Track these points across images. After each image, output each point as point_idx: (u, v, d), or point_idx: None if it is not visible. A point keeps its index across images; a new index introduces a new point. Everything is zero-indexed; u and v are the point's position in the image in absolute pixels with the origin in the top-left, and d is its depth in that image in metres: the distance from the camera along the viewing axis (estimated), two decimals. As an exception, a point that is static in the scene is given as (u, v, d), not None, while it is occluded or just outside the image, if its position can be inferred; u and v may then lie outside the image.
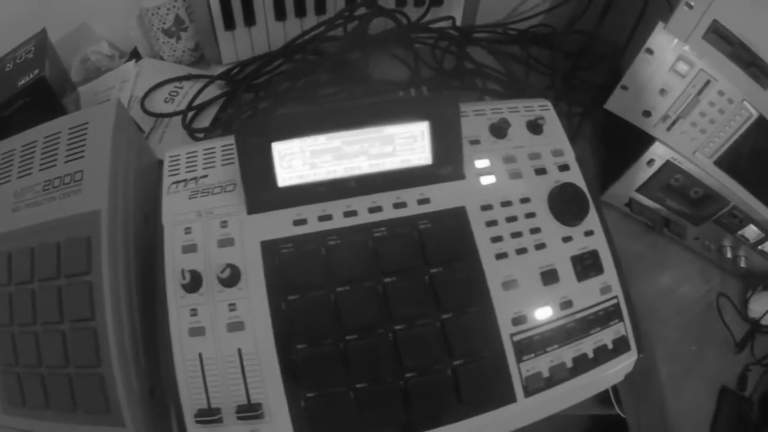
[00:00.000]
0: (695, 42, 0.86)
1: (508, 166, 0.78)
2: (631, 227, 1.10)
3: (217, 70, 1.01)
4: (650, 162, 0.99)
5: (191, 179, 0.71)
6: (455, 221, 0.72)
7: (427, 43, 1.12)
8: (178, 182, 0.71)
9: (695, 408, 0.99)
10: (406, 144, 0.71)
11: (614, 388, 0.95)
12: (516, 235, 0.73)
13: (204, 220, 0.68)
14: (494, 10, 1.21)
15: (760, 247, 1.06)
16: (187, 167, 0.72)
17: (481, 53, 1.15)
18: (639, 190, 1.04)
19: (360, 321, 0.66)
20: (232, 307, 0.64)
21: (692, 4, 0.85)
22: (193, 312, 0.64)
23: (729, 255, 1.08)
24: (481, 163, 0.77)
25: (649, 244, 1.10)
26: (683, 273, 1.10)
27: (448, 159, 0.73)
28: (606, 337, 0.74)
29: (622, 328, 0.76)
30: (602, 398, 1.07)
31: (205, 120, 0.96)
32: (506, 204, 0.75)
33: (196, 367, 0.62)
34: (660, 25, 0.86)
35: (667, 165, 0.98)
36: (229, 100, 0.96)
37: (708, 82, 0.89)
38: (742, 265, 1.08)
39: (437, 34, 1.11)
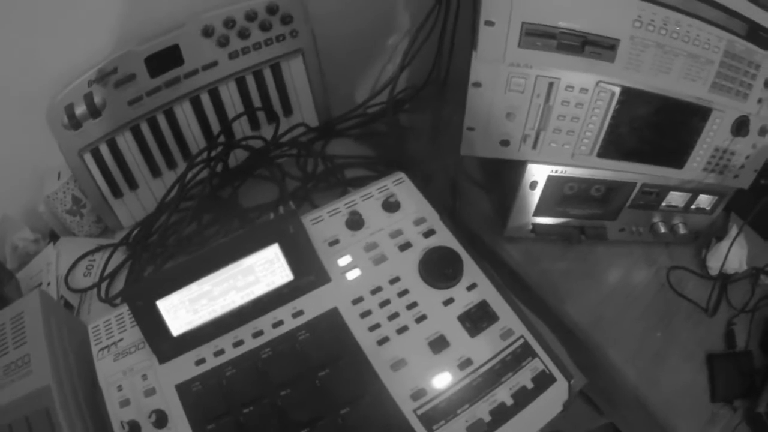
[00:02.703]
0: (515, 54, 0.80)
1: (370, 254, 0.78)
2: (548, 249, 1.03)
3: (121, 235, 1.04)
4: (533, 185, 0.92)
5: (112, 344, 0.76)
6: (330, 323, 0.73)
7: (291, 155, 1.11)
8: (102, 349, 0.76)
9: (686, 388, 0.91)
10: (266, 268, 0.73)
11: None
12: (393, 316, 0.73)
13: (129, 377, 0.73)
14: (350, 98, 1.19)
15: (693, 206, 0.98)
16: (106, 334, 0.77)
17: (348, 142, 1.15)
18: (537, 213, 0.97)
19: (268, 434, 0.68)
20: (169, 445, 0.68)
21: (492, 20, 0.78)
22: (142, 454, 0.68)
23: (663, 230, 0.99)
24: (344, 261, 0.77)
25: (574, 258, 1.02)
26: (622, 267, 1.02)
27: (308, 269, 0.74)
28: (523, 378, 0.70)
29: (539, 363, 0.71)
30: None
31: (121, 284, 0.99)
32: (376, 291, 0.74)
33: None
34: (474, 54, 0.80)
35: (551, 180, 0.91)
36: (134, 263, 0.98)
37: (551, 84, 0.82)
38: (682, 232, 0.99)
39: (292, 144, 1.11)
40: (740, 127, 0.90)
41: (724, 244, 0.99)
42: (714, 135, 0.90)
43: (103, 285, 0.96)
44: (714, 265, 1.00)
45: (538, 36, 0.79)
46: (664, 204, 0.97)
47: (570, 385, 0.71)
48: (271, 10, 0.99)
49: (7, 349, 0.74)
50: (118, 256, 1.00)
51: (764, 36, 0.83)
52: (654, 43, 0.80)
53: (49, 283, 0.98)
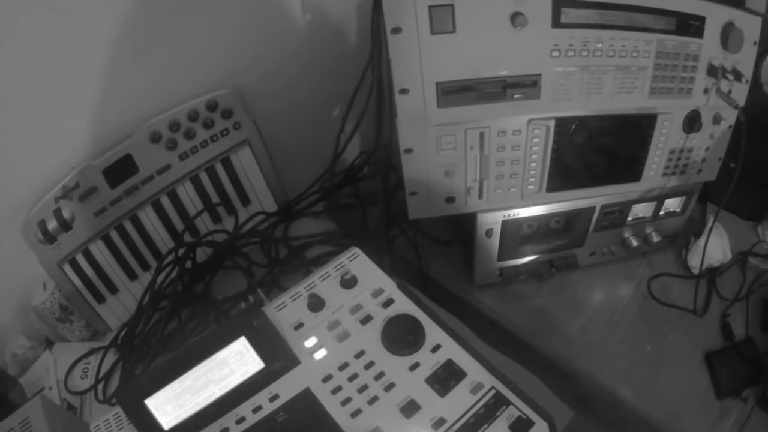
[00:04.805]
0: (437, 115, 0.77)
1: (334, 332, 0.77)
2: (521, 289, 1.00)
3: (111, 337, 1.06)
4: (489, 233, 0.89)
5: (113, 441, 0.79)
6: (305, 403, 0.73)
7: (255, 243, 1.10)
8: (105, 446, 0.79)
9: (689, 392, 0.87)
10: (238, 360, 0.74)
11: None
12: (362, 389, 0.72)
13: (132, 470, 0.76)
14: (306, 175, 1.18)
15: (662, 212, 0.94)
16: None
17: (310, 221, 1.13)
18: (501, 258, 0.94)
19: None
20: None
21: (406, 87, 0.75)
22: None
23: (636, 243, 0.96)
24: (310, 342, 0.77)
25: (549, 292, 0.99)
26: (601, 289, 0.99)
27: (277, 356, 0.76)
28: (499, 427, 0.68)
29: (514, 410, 0.69)
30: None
31: (117, 382, 1.00)
32: (344, 367, 0.74)
33: None
34: (397, 122, 0.78)
35: (506, 225, 0.89)
36: (125, 363, 1.00)
37: (482, 134, 0.79)
38: (657, 239, 0.96)
39: (253, 233, 1.10)
40: (692, 122, 0.86)
41: (702, 240, 0.94)
42: (666, 139, 0.86)
43: (100, 386, 0.99)
44: (696, 263, 0.96)
45: (455, 92, 0.76)
46: (630, 218, 0.93)
47: (550, 425, 0.68)
48: (211, 107, 1.00)
49: (20, 451, 0.79)
50: (110, 357, 1.02)
51: (695, 24, 0.80)
52: (578, 68, 0.78)
53: (50, 388, 1.01)
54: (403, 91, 0.76)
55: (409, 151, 0.80)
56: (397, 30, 0.73)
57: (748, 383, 0.87)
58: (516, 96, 0.77)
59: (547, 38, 0.75)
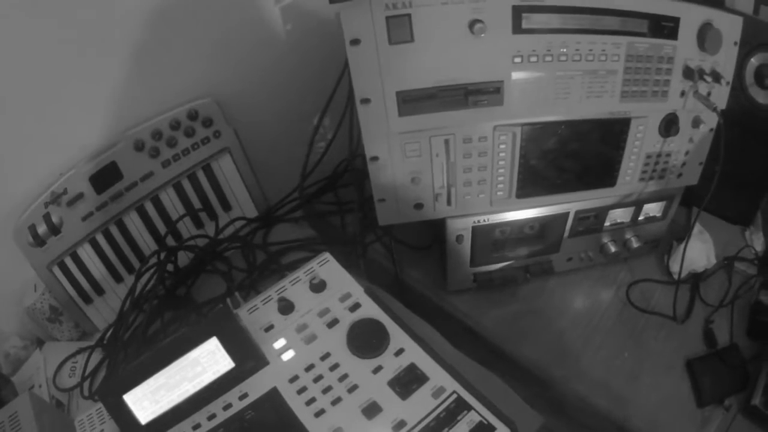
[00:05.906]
0: (400, 124, 0.78)
1: (302, 335, 0.80)
2: (497, 295, 1.00)
3: (97, 337, 1.11)
4: (459, 239, 0.90)
5: (96, 434, 0.83)
6: (272, 402, 0.77)
7: (236, 248, 1.12)
8: (89, 438, 0.83)
9: (669, 400, 0.87)
10: (209, 359, 0.78)
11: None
12: (326, 390, 0.75)
13: (112, 461, 0.78)
14: (287, 182, 1.19)
15: (641, 218, 0.93)
16: (89, 426, 0.85)
17: (291, 227, 1.16)
18: (474, 264, 0.94)
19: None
20: None
21: (367, 97, 0.77)
22: None
23: (614, 249, 0.95)
24: (279, 344, 0.80)
25: (525, 298, 0.99)
26: (580, 295, 0.98)
27: (247, 356, 0.79)
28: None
29: (475, 415, 0.70)
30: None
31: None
32: (310, 368, 0.77)
33: None
34: (363, 134, 0.80)
35: (477, 230, 0.89)
36: (110, 361, 1.04)
37: (447, 141, 0.80)
38: (637, 245, 0.95)
39: (233, 239, 1.13)
40: (669, 126, 0.86)
41: (683, 245, 0.93)
42: (641, 143, 0.86)
43: (86, 384, 1.03)
44: (678, 268, 0.94)
45: (417, 101, 0.78)
46: (607, 224, 0.93)
47: (512, 431, 0.69)
48: (191, 116, 1.03)
49: (8, 442, 0.83)
50: (97, 356, 1.07)
51: (669, 25, 0.79)
52: (543, 73, 0.78)
53: (40, 385, 1.06)
54: (364, 101, 0.77)
55: (374, 159, 0.82)
56: (355, 42, 0.74)
57: (731, 391, 0.87)
58: (479, 103, 0.78)
59: (508, 45, 0.75)
